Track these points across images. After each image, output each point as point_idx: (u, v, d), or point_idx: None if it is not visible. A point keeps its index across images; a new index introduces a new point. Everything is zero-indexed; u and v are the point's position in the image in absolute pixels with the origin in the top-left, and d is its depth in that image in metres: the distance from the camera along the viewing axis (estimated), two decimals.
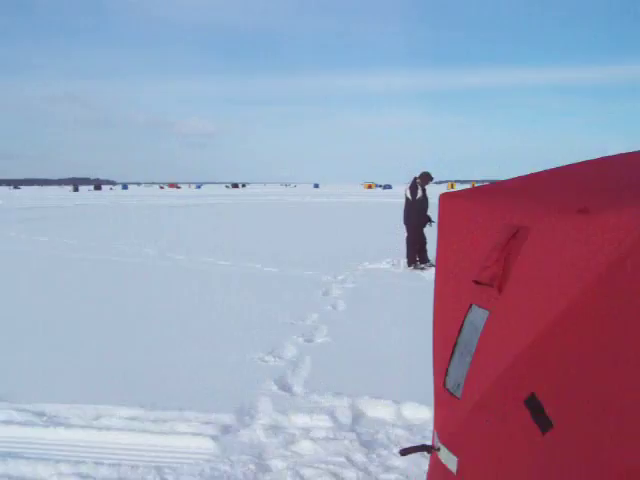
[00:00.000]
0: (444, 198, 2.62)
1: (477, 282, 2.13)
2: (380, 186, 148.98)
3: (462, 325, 2.27)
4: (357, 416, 4.95)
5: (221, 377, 5.87)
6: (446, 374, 2.36)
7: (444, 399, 2.38)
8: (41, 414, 5.02)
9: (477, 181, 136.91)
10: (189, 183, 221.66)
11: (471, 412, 2.11)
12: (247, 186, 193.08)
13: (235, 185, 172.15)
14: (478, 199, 2.55)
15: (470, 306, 2.24)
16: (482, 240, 2.22)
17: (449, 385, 2.34)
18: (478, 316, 2.17)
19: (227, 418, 4.85)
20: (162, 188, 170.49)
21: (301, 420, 4.82)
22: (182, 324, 8.09)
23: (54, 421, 4.88)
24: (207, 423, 4.75)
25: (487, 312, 2.10)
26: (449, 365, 2.34)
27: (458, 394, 2.24)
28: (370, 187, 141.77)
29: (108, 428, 4.71)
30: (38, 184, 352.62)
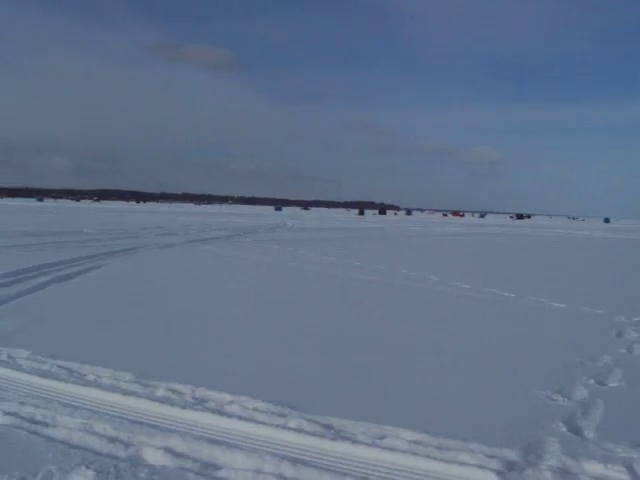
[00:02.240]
0: None
1: None
2: None
3: None
4: None
5: (507, 411, 5.70)
6: None
7: None
8: (329, 427, 5.21)
9: None
10: (472, 212, 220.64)
11: None
12: (532, 217, 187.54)
13: (520, 216, 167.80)
14: None
15: None
16: None
17: None
18: None
19: (512, 454, 4.66)
20: (445, 215, 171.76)
21: (593, 468, 4.48)
22: (469, 352, 8.01)
23: (341, 435, 5.03)
24: (491, 457, 4.61)
25: None
26: None
27: None
28: None
29: (392, 449, 4.75)
30: (325, 206, 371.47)
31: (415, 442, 4.88)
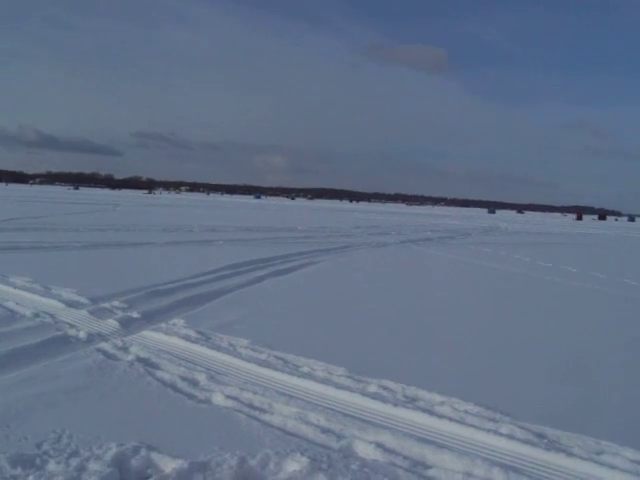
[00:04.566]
0: None
1: None
2: None
3: None
4: None
5: None
6: None
7: None
8: (542, 436, 5.06)
9: None
10: None
11: None
12: None
13: None
14: None
15: None
16: None
17: None
18: None
19: None
20: None
21: None
22: None
23: (555, 446, 4.85)
24: None
25: None
26: None
27: None
28: None
29: (611, 466, 4.51)
30: (540, 210, 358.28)
31: (637, 462, 4.60)
